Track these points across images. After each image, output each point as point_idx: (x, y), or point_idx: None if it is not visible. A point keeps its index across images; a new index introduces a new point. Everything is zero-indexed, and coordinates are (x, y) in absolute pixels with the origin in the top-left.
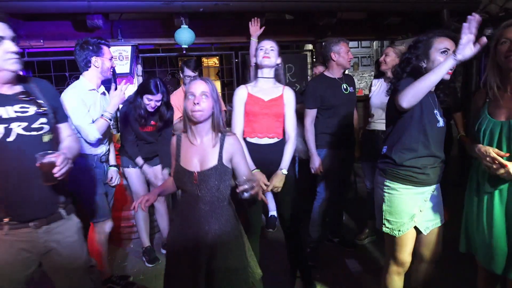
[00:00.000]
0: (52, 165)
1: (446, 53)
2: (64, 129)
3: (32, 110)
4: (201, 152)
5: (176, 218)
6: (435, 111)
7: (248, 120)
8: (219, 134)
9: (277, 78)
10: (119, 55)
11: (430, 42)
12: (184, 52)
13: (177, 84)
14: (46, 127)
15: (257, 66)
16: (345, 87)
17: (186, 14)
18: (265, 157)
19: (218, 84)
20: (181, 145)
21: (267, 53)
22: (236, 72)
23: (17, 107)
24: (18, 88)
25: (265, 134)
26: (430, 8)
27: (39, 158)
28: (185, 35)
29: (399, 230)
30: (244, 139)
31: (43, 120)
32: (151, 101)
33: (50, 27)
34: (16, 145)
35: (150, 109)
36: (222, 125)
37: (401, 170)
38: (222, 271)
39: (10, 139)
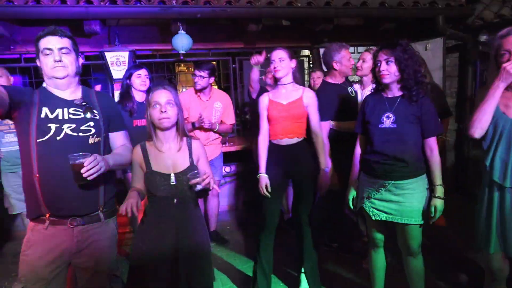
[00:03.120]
0: (81, 166)
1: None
2: (117, 137)
3: (83, 114)
4: (171, 156)
5: (144, 226)
6: (386, 114)
7: (271, 124)
8: (184, 138)
9: (295, 80)
10: (116, 61)
11: None
12: (181, 58)
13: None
14: (93, 130)
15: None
16: (350, 90)
17: (183, 20)
18: (286, 156)
19: None
20: (148, 153)
21: (276, 67)
22: (233, 78)
23: (71, 110)
24: (78, 95)
25: (285, 135)
26: (425, 14)
27: (71, 158)
28: (182, 41)
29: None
30: (270, 141)
31: (91, 123)
32: (140, 77)
33: None
34: (63, 143)
35: (142, 87)
36: (185, 129)
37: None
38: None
39: (59, 137)
